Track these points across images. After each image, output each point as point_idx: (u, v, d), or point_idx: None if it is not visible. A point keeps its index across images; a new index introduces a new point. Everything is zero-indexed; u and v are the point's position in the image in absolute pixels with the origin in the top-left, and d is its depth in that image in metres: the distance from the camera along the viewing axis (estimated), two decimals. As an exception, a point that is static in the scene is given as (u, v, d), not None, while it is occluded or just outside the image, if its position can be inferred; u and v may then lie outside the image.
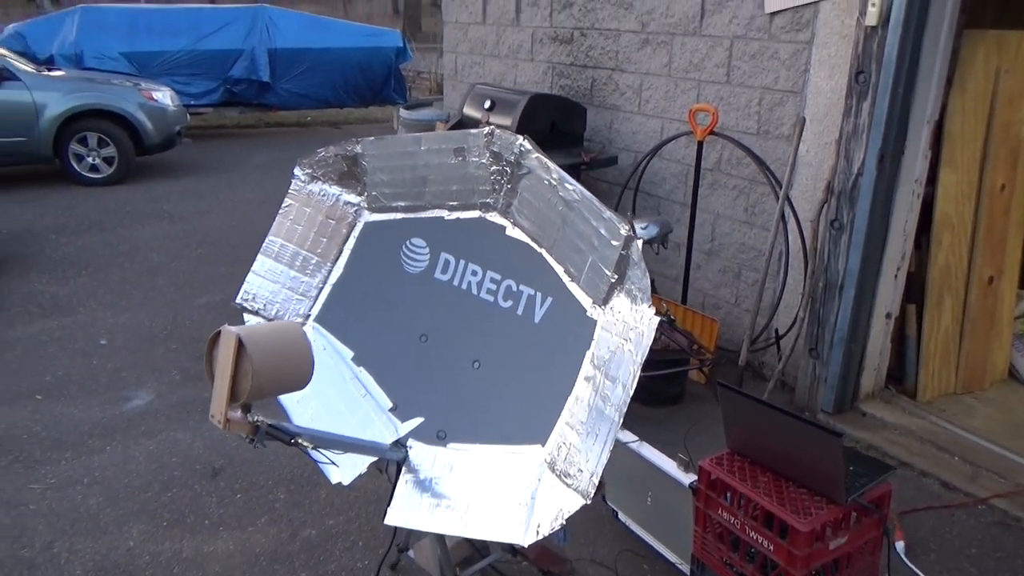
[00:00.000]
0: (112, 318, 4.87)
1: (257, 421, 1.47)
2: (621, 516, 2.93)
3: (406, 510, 1.87)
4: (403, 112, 6.18)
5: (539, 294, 1.87)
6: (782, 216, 3.68)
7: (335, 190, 2.14)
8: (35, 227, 6.70)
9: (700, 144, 3.98)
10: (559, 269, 1.83)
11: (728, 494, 2.20)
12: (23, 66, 7.82)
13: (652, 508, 2.72)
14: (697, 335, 4.08)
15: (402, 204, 2.09)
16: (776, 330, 3.99)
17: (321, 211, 2.14)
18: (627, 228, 1.63)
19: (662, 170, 4.58)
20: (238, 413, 1.46)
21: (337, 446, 1.87)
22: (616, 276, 1.67)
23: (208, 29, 10.79)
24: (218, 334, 1.42)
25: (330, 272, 2.15)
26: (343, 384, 2.07)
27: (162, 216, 7.09)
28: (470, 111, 4.92)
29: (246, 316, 2.15)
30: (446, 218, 2.03)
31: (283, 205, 2.14)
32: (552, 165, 1.78)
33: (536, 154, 1.82)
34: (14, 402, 3.83)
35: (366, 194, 2.12)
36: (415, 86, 15.88)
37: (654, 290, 4.55)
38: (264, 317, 2.14)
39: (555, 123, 4.60)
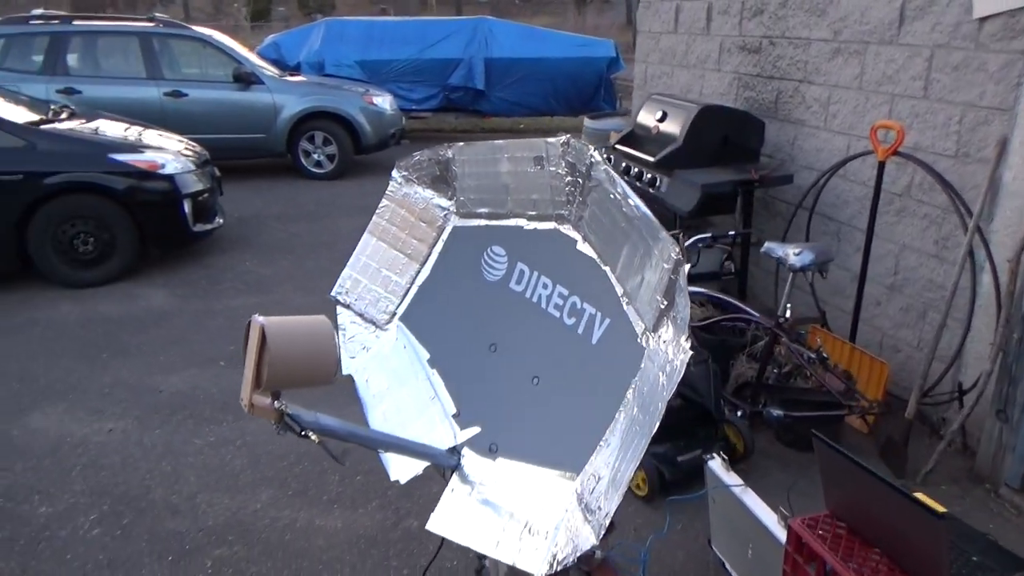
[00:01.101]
0: (300, 299, 5.37)
1: (282, 409, 1.53)
2: (728, 566, 2.70)
3: (448, 519, 1.86)
4: (586, 121, 6.18)
5: (599, 314, 1.77)
6: (970, 252, 3.17)
7: (428, 193, 2.17)
8: (261, 214, 7.57)
9: (881, 165, 3.54)
10: (619, 289, 1.72)
11: (816, 563, 1.93)
12: (268, 71, 8.86)
13: (753, 562, 2.47)
14: (864, 378, 3.65)
15: (486, 211, 2.08)
16: (960, 383, 3.45)
17: (414, 213, 2.19)
18: (677, 251, 1.49)
19: (845, 192, 4.15)
20: (267, 399, 1.53)
21: (392, 448, 1.90)
22: (666, 302, 1.53)
23: (432, 39, 11.53)
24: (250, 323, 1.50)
25: (418, 273, 2.20)
26: (416, 384, 2.10)
27: (365, 211, 7.68)
28: (643, 121, 4.80)
29: (339, 308, 2.26)
30: (525, 228, 1.99)
31: (380, 205, 2.22)
32: (618, 179, 1.67)
33: (604, 166, 1.72)
34: (204, 365, 4.35)
35: (455, 199, 2.14)
36: (633, 96, 15.80)
37: (824, 324, 4.14)
38: (354, 311, 2.24)
39: (728, 136, 4.34)
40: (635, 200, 1.62)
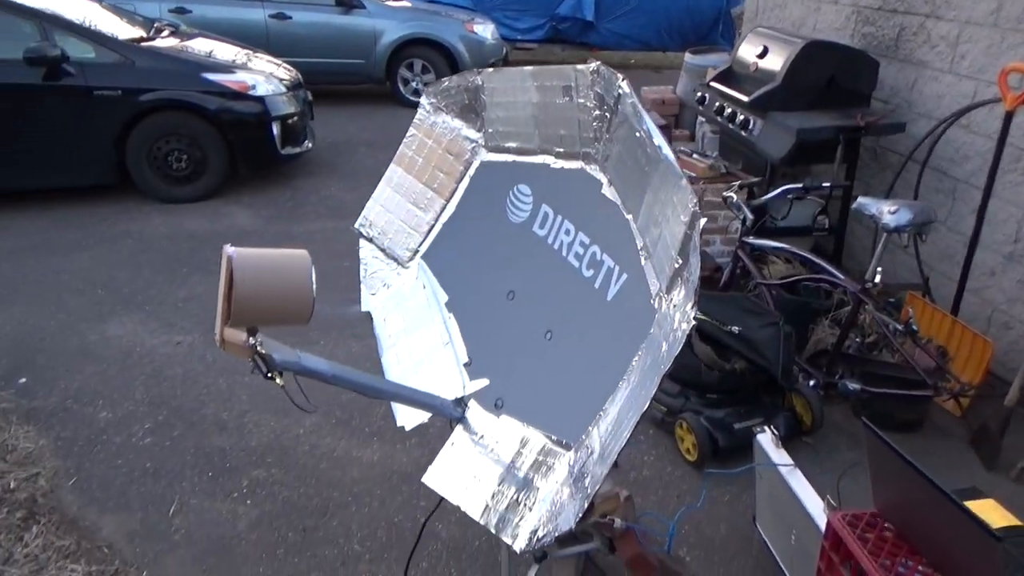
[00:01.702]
0: (376, 228, 5.35)
1: (255, 346, 1.44)
2: (771, 547, 2.49)
3: (445, 474, 1.76)
4: (687, 56, 5.75)
5: (617, 268, 1.57)
6: (1105, 223, 2.71)
7: (457, 124, 2.00)
8: (353, 140, 7.58)
9: (1009, 115, 3.07)
10: (639, 242, 1.52)
11: (852, 564, 1.71)
12: (371, -5, 8.76)
13: (795, 548, 2.26)
14: (963, 356, 3.27)
15: (514, 145, 1.89)
16: (1076, 372, 3.01)
17: (441, 144, 2.03)
18: (695, 202, 1.27)
19: (966, 146, 3.65)
20: (241, 335, 1.45)
21: (389, 396, 1.79)
22: (680, 260, 1.32)
23: (545, -34, 11.08)
24: (227, 252, 1.41)
25: (443, 209, 2.05)
26: (431, 327, 1.98)
27: (455, 142, 7.54)
28: (743, 56, 4.38)
29: (361, 242, 2.15)
30: (552, 166, 1.80)
31: (407, 135, 2.07)
32: (644, 115, 1.45)
33: (632, 99, 1.49)
34: (273, 287, 4.40)
35: (484, 131, 1.96)
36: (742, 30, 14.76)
37: (926, 292, 3.74)
38: (378, 245, 2.13)
39: (835, 77, 3.89)
40: (659, 140, 1.40)
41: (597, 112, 1.61)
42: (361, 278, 2.15)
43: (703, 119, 5.01)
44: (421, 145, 2.05)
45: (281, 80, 6.04)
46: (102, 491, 2.80)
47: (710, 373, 2.95)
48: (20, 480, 2.83)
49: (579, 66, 1.64)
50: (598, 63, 1.60)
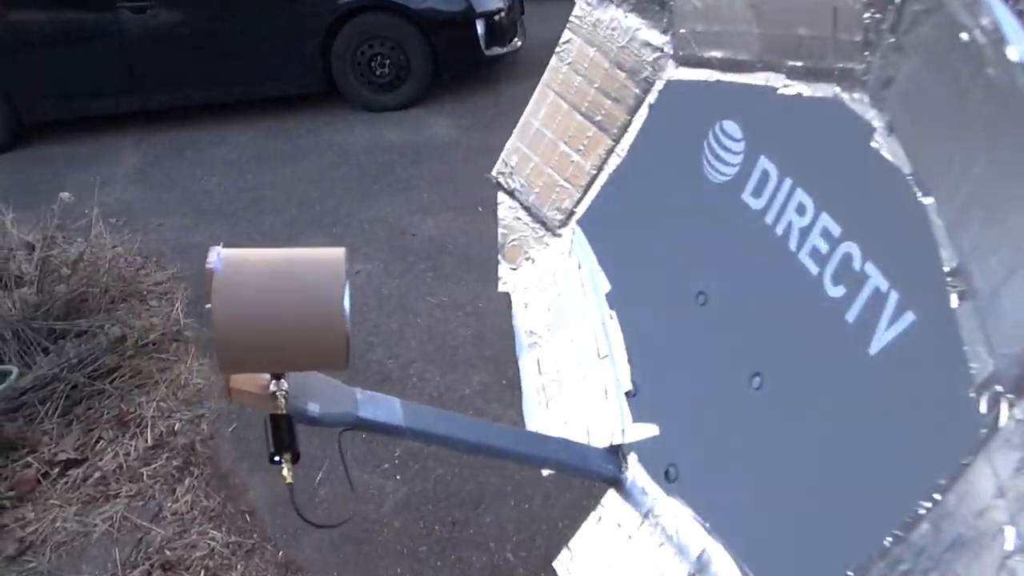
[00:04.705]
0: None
1: (277, 395, 0.94)
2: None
3: (584, 564, 1.19)
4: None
5: (895, 295, 0.84)
6: None
7: (632, 22, 1.30)
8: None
9: None
10: (946, 257, 0.77)
11: None
12: None
13: None
14: None
15: (719, 55, 1.16)
16: None
17: (608, 55, 1.34)
18: None
19: None
20: (263, 378, 0.95)
21: (505, 455, 1.24)
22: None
23: None
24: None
25: (610, 152, 1.38)
26: (586, 327, 1.37)
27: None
28: None
29: (500, 196, 1.57)
30: (779, 91, 1.05)
31: (560, 40, 1.41)
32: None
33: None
34: (461, 209, 3.99)
35: (672, 32, 1.24)
36: None
37: None
38: (520, 202, 1.53)
39: None
40: (1020, 48, 0.63)
41: (875, -7, 0.85)
42: (499, 246, 1.58)
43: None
44: (580, 56, 1.39)
45: (493, -28, 5.45)
46: (258, 443, 2.60)
47: None
48: (184, 422, 2.73)
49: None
50: None
